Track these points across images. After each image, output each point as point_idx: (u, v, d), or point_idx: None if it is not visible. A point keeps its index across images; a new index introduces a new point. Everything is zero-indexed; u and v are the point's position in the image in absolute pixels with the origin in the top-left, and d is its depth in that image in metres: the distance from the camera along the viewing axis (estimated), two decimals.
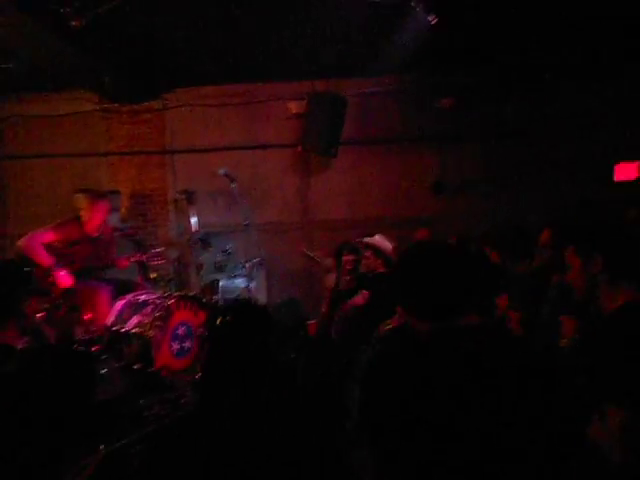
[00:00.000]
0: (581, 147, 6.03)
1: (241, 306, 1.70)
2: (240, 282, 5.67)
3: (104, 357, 3.73)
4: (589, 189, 5.84)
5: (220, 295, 5.55)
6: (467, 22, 4.58)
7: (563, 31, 4.80)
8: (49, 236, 4.05)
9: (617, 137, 5.94)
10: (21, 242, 4.04)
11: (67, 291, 4.01)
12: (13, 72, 5.26)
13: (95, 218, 4.22)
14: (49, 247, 4.03)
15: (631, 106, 5.84)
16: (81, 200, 4.24)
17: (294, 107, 6.23)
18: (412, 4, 3.83)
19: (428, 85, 6.02)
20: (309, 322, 5.22)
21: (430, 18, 3.91)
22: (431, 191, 6.24)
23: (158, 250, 4.60)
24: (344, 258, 4.48)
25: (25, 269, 2.38)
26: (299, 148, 6.12)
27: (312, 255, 6.00)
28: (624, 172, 6.02)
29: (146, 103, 6.29)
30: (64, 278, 4.01)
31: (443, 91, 6.02)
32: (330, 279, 4.87)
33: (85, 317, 4.16)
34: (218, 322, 1.58)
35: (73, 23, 4.13)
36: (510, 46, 5.16)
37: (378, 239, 4.22)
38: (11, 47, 4.75)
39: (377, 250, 4.18)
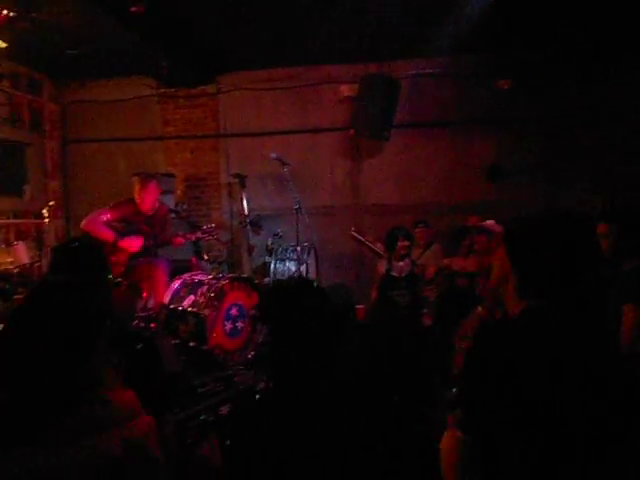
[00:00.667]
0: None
1: (301, 283, 1.72)
2: (291, 265, 5.73)
3: (162, 334, 3.86)
4: None
5: (271, 277, 5.64)
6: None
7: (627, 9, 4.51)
8: (108, 215, 4.22)
9: None
10: (83, 223, 4.24)
11: (127, 269, 4.17)
12: (77, 58, 5.47)
13: (147, 199, 4.35)
14: (109, 225, 4.20)
15: None
16: (135, 182, 4.38)
17: (346, 90, 6.17)
18: None
19: (484, 66, 5.80)
20: (358, 307, 5.22)
21: None
22: (486, 176, 6.04)
23: (211, 226, 4.69)
24: (399, 244, 4.44)
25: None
26: (351, 131, 6.06)
27: (362, 239, 5.97)
28: None
29: (201, 87, 6.40)
30: (133, 241, 4.18)
31: (500, 72, 5.80)
32: (381, 264, 4.87)
33: (144, 294, 4.34)
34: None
35: (133, 9, 4.23)
36: (574, 24, 4.90)
37: (491, 223, 4.14)
38: (73, 33, 4.93)
39: (491, 234, 4.10)
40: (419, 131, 6.18)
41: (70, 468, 1.10)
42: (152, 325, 3.91)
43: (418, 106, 6.06)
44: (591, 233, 1.37)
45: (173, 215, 4.94)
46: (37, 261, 5.42)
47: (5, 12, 4.16)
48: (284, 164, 5.41)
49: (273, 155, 5.39)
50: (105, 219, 4.19)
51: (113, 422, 1.20)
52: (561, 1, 4.45)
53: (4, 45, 4.50)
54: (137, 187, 4.34)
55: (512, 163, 5.98)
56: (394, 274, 4.53)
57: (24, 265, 5.27)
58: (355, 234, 5.99)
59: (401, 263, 4.54)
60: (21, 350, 1.17)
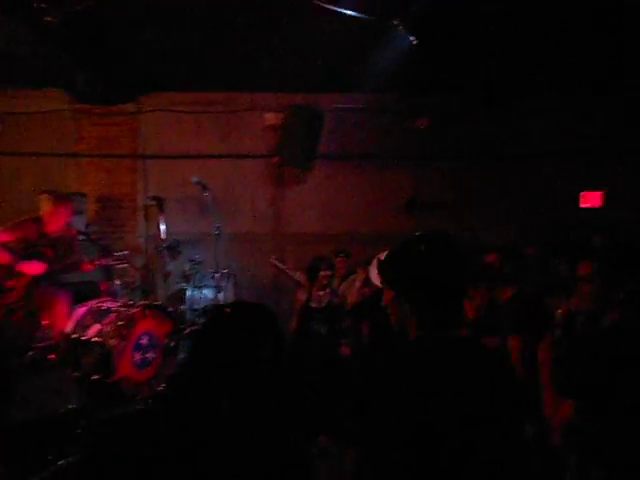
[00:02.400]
0: (550, 172, 6.20)
1: (240, 303, 1.65)
2: (208, 292, 5.56)
3: (59, 366, 3.55)
4: (558, 214, 6.01)
5: (187, 305, 5.42)
6: (446, 44, 4.66)
7: (543, 55, 4.94)
8: (5, 236, 3.88)
9: (582, 167, 6.16)
10: None
11: (25, 295, 3.83)
12: None
13: (57, 220, 4.07)
14: (6, 247, 3.85)
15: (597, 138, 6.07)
16: (44, 201, 4.09)
17: (271, 118, 6.21)
18: (395, 23, 3.86)
19: (405, 104, 6.10)
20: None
21: (412, 39, 3.95)
22: (404, 209, 6.28)
23: (123, 253, 4.45)
24: (321, 273, 4.43)
25: None
26: (274, 159, 6.09)
27: (282, 267, 5.94)
28: (590, 200, 6.25)
29: (119, 105, 6.16)
30: (33, 266, 3.86)
31: (419, 111, 6.12)
32: (301, 293, 4.84)
33: (43, 322, 3.99)
34: (212, 316, 1.51)
35: (48, 19, 4.02)
36: (486, 69, 5.28)
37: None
38: None
39: None
40: (342, 163, 6.34)
41: None
42: (51, 356, 3.59)
43: (342, 138, 6.22)
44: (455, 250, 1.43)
45: (82, 237, 4.63)
46: None
47: None
48: (205, 188, 5.30)
49: (194, 179, 5.27)
50: (1, 240, 3.85)
51: None
52: (476, 46, 4.80)
53: None
54: (47, 206, 4.05)
55: (428, 197, 6.27)
56: (313, 305, 4.51)
57: None
58: (275, 262, 5.94)
59: (321, 293, 4.54)
60: None
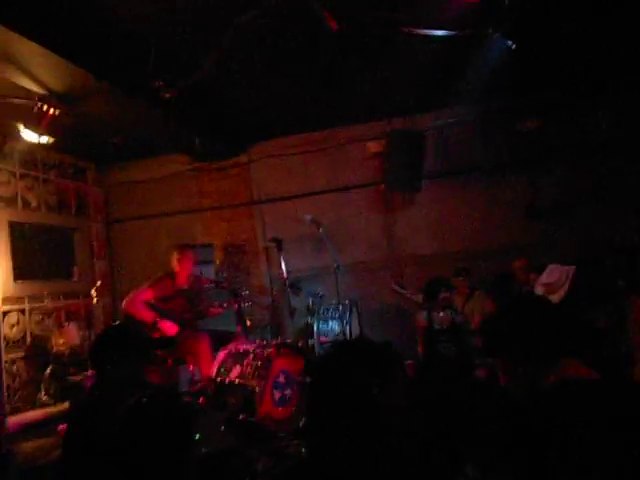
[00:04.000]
0: None
1: (344, 343, 1.58)
2: (334, 324, 5.67)
3: (210, 409, 3.83)
4: None
5: (315, 339, 5.58)
6: (547, 43, 4.43)
7: None
8: (147, 294, 4.31)
9: None
10: (124, 304, 4.35)
11: (171, 344, 4.21)
12: (117, 144, 5.80)
13: (184, 269, 4.44)
14: (149, 305, 4.28)
15: None
16: (171, 254, 4.50)
17: (373, 147, 6.29)
18: (489, 32, 3.76)
19: (508, 109, 5.83)
20: (407, 362, 5.07)
21: (509, 43, 3.82)
22: (524, 217, 5.94)
23: (245, 292, 4.73)
24: (441, 295, 4.35)
25: (133, 329, 2.53)
26: (381, 186, 6.13)
27: (403, 292, 5.89)
28: None
29: (232, 159, 6.65)
30: (169, 327, 4.23)
31: (525, 113, 5.81)
32: (420, 316, 4.76)
33: (190, 368, 4.35)
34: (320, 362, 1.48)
35: (166, 95, 4.50)
36: (593, 62, 4.92)
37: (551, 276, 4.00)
38: (115, 122, 5.26)
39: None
40: (450, 179, 6.19)
41: None
42: (200, 400, 3.89)
43: (447, 155, 6.11)
44: None
45: (213, 285, 5.02)
46: (87, 341, 5.56)
47: (51, 111, 4.48)
48: (318, 225, 5.48)
49: (307, 217, 5.48)
50: (144, 298, 4.28)
51: None
52: (577, 43, 4.50)
53: (51, 140, 4.81)
54: (174, 258, 4.46)
55: (548, 202, 5.87)
56: (436, 326, 4.42)
57: (75, 345, 5.41)
58: (396, 287, 5.92)
59: (442, 314, 4.44)
60: None
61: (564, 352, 1.51)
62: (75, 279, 6.38)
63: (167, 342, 4.13)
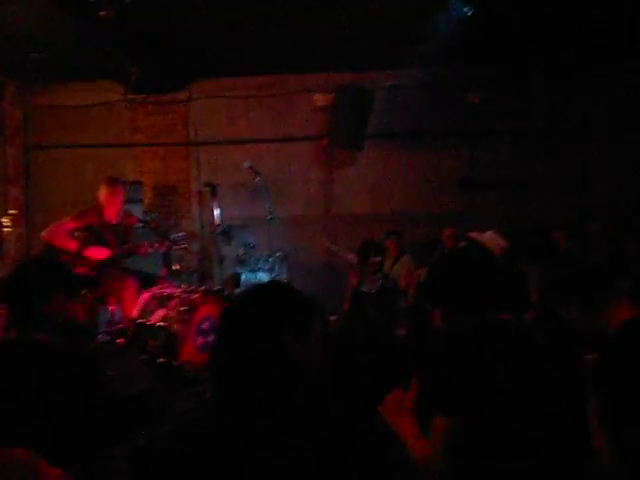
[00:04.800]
0: (613, 147, 5.85)
1: (263, 286, 1.44)
2: (262, 276, 5.63)
3: (129, 350, 3.72)
4: (623, 190, 5.67)
5: (242, 289, 5.53)
6: (501, 14, 4.45)
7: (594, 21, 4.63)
8: (71, 224, 4.08)
9: None
10: (45, 233, 4.10)
11: (93, 282, 4.01)
12: (40, 62, 5.27)
13: (114, 203, 4.22)
14: (72, 235, 4.05)
15: None
16: (101, 187, 4.25)
17: (320, 99, 6.16)
18: None
19: (457, 78, 5.88)
20: (331, 318, 5.17)
21: (466, 9, 3.79)
22: (458, 187, 6.11)
23: (180, 235, 4.56)
24: (371, 260, 4.42)
25: (57, 264, 2.36)
26: (324, 141, 6.05)
27: (335, 249, 5.94)
28: None
29: (171, 94, 6.27)
30: (97, 251, 4.04)
31: (472, 85, 5.89)
32: (353, 276, 4.84)
33: (110, 308, 4.18)
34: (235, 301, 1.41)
35: (102, 13, 4.11)
36: (541, 38, 5.01)
37: (488, 237, 3.86)
38: (39, 36, 4.75)
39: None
40: (393, 142, 6.22)
41: None
42: (119, 340, 3.76)
43: (392, 117, 6.09)
44: None
45: (141, 225, 4.79)
46: None
47: None
48: (257, 173, 5.35)
49: (246, 164, 5.32)
50: (68, 228, 4.05)
51: None
52: (528, 17, 4.55)
53: None
54: (104, 191, 4.21)
55: (484, 175, 6.07)
56: (365, 289, 4.52)
57: None
58: (328, 244, 5.95)
59: (372, 277, 4.54)
60: None
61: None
62: None
63: (92, 281, 3.94)
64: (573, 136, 5.89)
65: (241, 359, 1.19)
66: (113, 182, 4.30)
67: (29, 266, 2.07)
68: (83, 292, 3.88)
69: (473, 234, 3.68)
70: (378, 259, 4.51)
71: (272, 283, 1.63)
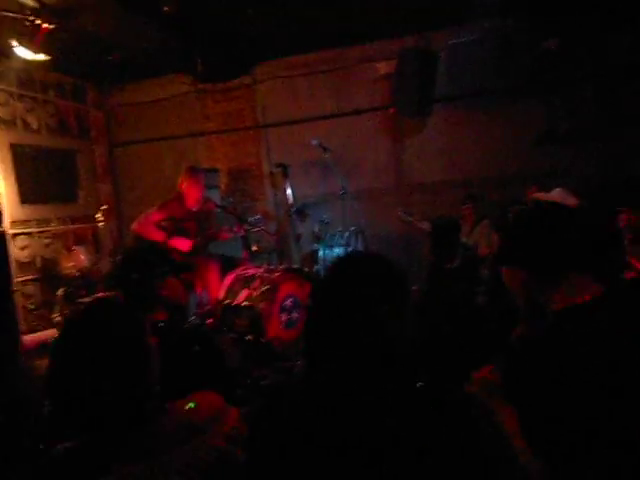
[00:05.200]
0: None
1: (350, 258, 1.41)
2: (339, 251, 5.70)
3: (218, 330, 3.93)
4: None
5: (321, 265, 5.63)
6: None
7: None
8: (157, 216, 4.31)
9: None
10: (134, 225, 4.37)
11: (190, 269, 4.27)
12: (115, 63, 5.57)
13: (194, 191, 4.40)
14: (159, 226, 4.29)
15: None
16: (181, 177, 4.45)
17: (383, 68, 6.01)
18: None
19: (526, 28, 5.49)
20: (412, 288, 5.14)
21: None
22: (538, 143, 5.76)
23: (257, 217, 4.71)
24: (444, 240, 4.28)
25: (157, 252, 2.57)
26: (391, 110, 5.93)
27: (410, 220, 5.86)
28: None
29: (237, 80, 6.40)
30: (182, 243, 4.27)
31: (543, 33, 5.47)
32: (429, 251, 4.74)
33: (198, 291, 4.43)
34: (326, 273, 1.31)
35: (165, 9, 4.26)
36: None
37: (557, 195, 3.51)
38: (112, 39, 5.01)
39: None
40: (462, 103, 5.95)
41: None
42: (209, 321, 3.99)
43: (459, 77, 5.81)
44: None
45: (220, 210, 5.00)
46: (95, 264, 5.63)
47: (45, 25, 4.26)
48: (325, 150, 5.37)
49: (314, 142, 5.35)
50: (154, 219, 4.29)
51: (193, 429, 1.19)
52: None
53: (46, 58, 4.61)
54: (185, 182, 4.41)
55: (564, 128, 5.67)
56: (444, 266, 4.41)
57: (84, 268, 5.50)
58: (402, 214, 5.89)
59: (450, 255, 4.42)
60: (80, 364, 1.16)
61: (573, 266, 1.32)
62: (80, 202, 6.38)
63: (187, 267, 4.20)
64: None
65: (338, 332, 1.14)
66: (192, 171, 4.48)
67: (142, 254, 2.26)
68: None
69: (536, 194, 3.42)
70: (453, 237, 4.36)
71: (363, 255, 1.56)
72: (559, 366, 1.15)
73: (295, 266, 4.67)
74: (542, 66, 5.52)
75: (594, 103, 5.56)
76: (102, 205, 5.78)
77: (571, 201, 3.00)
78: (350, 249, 5.54)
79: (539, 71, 5.56)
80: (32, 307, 5.55)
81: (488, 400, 1.26)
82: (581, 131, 5.56)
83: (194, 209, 4.45)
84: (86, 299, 5.17)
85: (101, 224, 5.49)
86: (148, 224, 4.28)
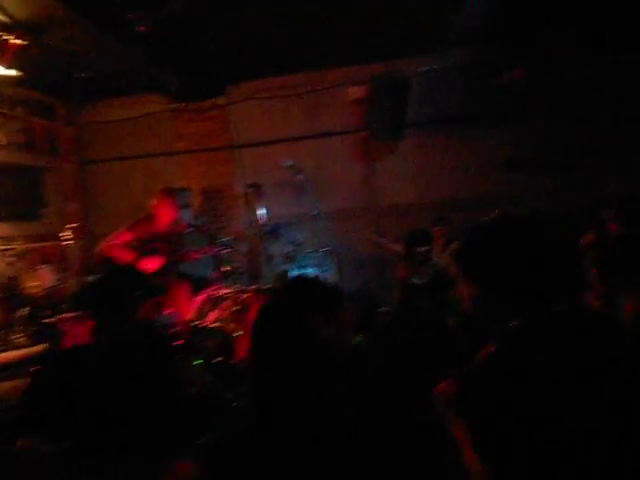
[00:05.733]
0: None
1: (290, 282, 1.57)
2: (311, 271, 5.70)
3: (187, 352, 3.86)
4: None
5: None
6: None
7: None
8: (127, 236, 4.26)
9: None
10: (101, 245, 4.30)
11: (162, 291, 4.20)
12: (88, 80, 5.52)
13: (167, 214, 4.37)
14: (129, 246, 4.23)
15: None
16: (153, 198, 4.41)
17: (354, 92, 6.13)
18: None
19: (494, 57, 5.70)
20: (381, 310, 5.16)
21: None
22: (504, 168, 5.93)
23: (228, 239, 4.71)
24: (417, 250, 4.35)
25: (130, 274, 2.51)
26: (363, 133, 6.03)
27: (380, 242, 5.92)
28: None
29: (210, 100, 6.42)
30: (150, 262, 4.21)
31: (514, 62, 5.69)
32: (400, 268, 4.78)
33: (166, 312, 4.35)
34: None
35: (139, 28, 4.26)
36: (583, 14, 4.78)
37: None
38: (84, 57, 4.98)
39: None
40: (433, 128, 6.10)
41: None
42: (177, 343, 3.91)
43: (430, 103, 5.97)
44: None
45: (192, 229, 4.96)
46: (62, 283, 5.50)
47: (16, 41, 4.21)
48: (298, 171, 5.42)
49: (287, 163, 5.39)
50: (124, 239, 4.23)
51: None
52: None
53: (17, 74, 4.55)
54: (157, 203, 4.37)
55: (530, 154, 5.86)
56: (414, 281, 4.46)
57: (49, 288, 5.35)
58: (374, 237, 5.94)
59: (421, 268, 4.47)
60: None
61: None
62: (47, 221, 6.23)
63: (160, 289, 4.13)
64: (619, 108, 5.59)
65: (276, 344, 1.27)
66: (166, 193, 4.46)
67: (117, 276, 2.21)
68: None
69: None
70: (425, 248, 4.43)
71: (297, 278, 1.71)
72: (503, 386, 1.17)
73: (266, 287, 4.64)
74: (509, 94, 5.72)
75: (559, 130, 5.78)
76: (70, 223, 5.67)
77: (529, 223, 3.09)
78: (322, 270, 5.56)
79: (506, 99, 5.76)
80: None
81: (445, 411, 1.31)
82: (543, 158, 5.76)
83: (165, 230, 4.41)
84: (52, 319, 5.03)
85: (68, 243, 5.38)
86: (117, 244, 4.22)
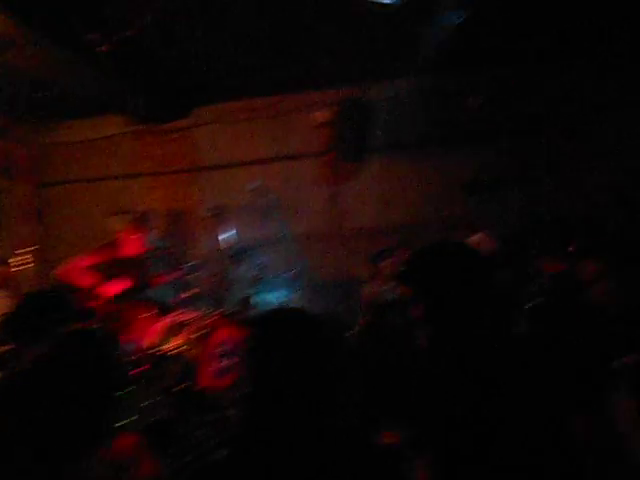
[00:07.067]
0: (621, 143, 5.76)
1: (267, 315, 1.59)
2: (277, 295, 5.62)
3: (147, 379, 3.70)
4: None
5: (257, 310, 5.51)
6: (497, 18, 4.47)
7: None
8: (89, 260, 4.12)
9: None
10: (59, 272, 4.14)
11: (105, 315, 4.03)
12: (46, 101, 5.38)
13: (129, 239, 4.26)
14: (90, 270, 4.09)
15: None
16: (115, 223, 4.29)
17: (320, 117, 6.18)
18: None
19: (456, 83, 5.88)
20: (349, 333, 5.11)
21: (459, 14, 3.81)
22: (465, 192, 6.06)
23: (191, 264, 4.61)
24: (382, 264, 4.34)
25: (57, 296, 2.40)
26: (328, 157, 6.06)
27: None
28: None
29: (174, 122, 6.35)
30: (110, 287, 4.07)
31: (473, 89, 5.88)
32: (366, 289, 4.76)
33: (125, 339, 4.18)
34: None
35: (101, 49, 4.20)
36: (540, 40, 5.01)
37: (476, 238, 3.56)
38: (43, 77, 4.86)
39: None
40: (397, 151, 6.20)
41: None
42: (138, 370, 3.75)
43: (394, 127, 6.07)
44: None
45: (155, 253, 4.82)
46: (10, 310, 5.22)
47: None
48: (264, 194, 5.38)
49: (252, 186, 5.36)
50: (85, 264, 4.10)
51: None
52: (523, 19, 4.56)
53: None
54: (119, 228, 4.26)
55: (490, 177, 6.00)
56: (385, 297, 4.44)
57: (2, 315, 5.07)
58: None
59: (387, 286, 4.46)
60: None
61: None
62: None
63: (87, 314, 3.94)
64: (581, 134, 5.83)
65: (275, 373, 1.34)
66: (132, 219, 4.36)
67: (36, 301, 2.10)
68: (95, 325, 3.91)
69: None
70: (389, 261, 4.41)
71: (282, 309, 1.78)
72: None
73: (230, 311, 4.54)
74: (470, 119, 5.89)
75: (517, 156, 5.96)
76: (20, 249, 5.43)
77: (488, 245, 3.15)
78: (289, 293, 5.48)
79: (467, 123, 5.93)
80: None
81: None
82: (504, 182, 5.92)
83: (128, 255, 4.29)
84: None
85: (18, 269, 5.13)
86: (76, 269, 4.08)
